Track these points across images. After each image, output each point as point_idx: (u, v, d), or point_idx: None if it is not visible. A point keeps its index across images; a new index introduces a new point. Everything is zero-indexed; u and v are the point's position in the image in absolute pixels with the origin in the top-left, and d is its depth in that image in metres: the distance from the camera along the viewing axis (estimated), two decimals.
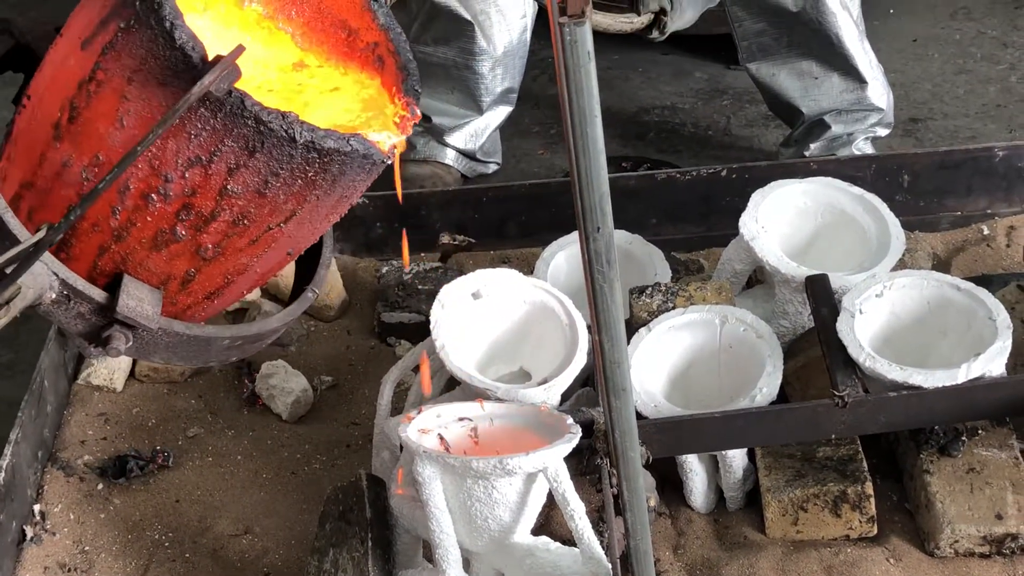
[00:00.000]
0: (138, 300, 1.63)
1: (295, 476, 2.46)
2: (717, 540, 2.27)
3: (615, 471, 1.89)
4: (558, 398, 2.22)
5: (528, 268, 2.82)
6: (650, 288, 2.38)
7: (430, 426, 2.04)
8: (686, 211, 2.87)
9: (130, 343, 1.65)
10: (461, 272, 2.74)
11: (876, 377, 2.15)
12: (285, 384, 2.56)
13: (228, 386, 2.64)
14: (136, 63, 1.59)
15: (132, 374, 2.63)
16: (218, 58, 1.54)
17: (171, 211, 1.62)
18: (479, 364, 2.29)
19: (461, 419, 2.09)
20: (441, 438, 2.02)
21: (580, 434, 2.00)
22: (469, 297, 2.29)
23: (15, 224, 1.62)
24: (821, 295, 2.28)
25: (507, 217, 2.87)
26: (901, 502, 2.32)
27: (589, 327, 2.22)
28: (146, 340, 1.67)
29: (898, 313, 2.27)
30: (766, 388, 2.21)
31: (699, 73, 3.74)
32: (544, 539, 2.02)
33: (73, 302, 1.62)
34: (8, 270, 1.54)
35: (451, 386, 2.35)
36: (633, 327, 2.33)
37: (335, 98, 1.73)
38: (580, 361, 2.23)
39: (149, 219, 1.62)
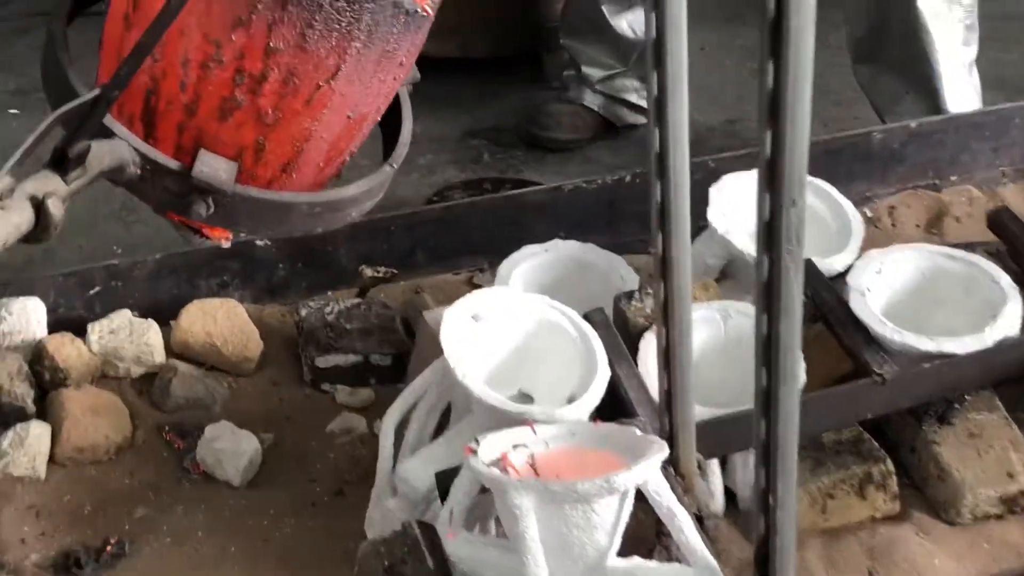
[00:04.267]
0: (212, 168, 1.77)
1: (268, 543, 2.22)
2: (748, 541, 2.20)
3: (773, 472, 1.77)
4: (588, 415, 2.10)
5: (443, 295, 2.68)
6: (637, 292, 2.30)
7: (496, 456, 1.88)
8: (592, 221, 2.80)
9: (211, 209, 1.77)
10: (385, 306, 2.58)
11: (903, 351, 2.15)
12: (236, 447, 2.31)
13: (158, 459, 2.37)
14: None
15: (52, 458, 2.31)
16: None
17: (228, 76, 1.75)
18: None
19: (516, 446, 1.94)
20: (530, 465, 1.86)
21: (665, 443, 1.89)
22: (470, 320, 2.14)
23: (79, 87, 1.75)
24: (816, 280, 2.26)
25: (416, 244, 2.71)
26: (899, 477, 2.31)
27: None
28: (226, 206, 1.79)
29: (896, 288, 2.28)
30: None
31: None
32: (636, 559, 1.89)
33: (155, 175, 1.75)
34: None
35: (443, 422, 2.19)
36: (630, 333, 2.24)
37: None
38: (604, 374, 2.11)
39: (211, 88, 1.76)
